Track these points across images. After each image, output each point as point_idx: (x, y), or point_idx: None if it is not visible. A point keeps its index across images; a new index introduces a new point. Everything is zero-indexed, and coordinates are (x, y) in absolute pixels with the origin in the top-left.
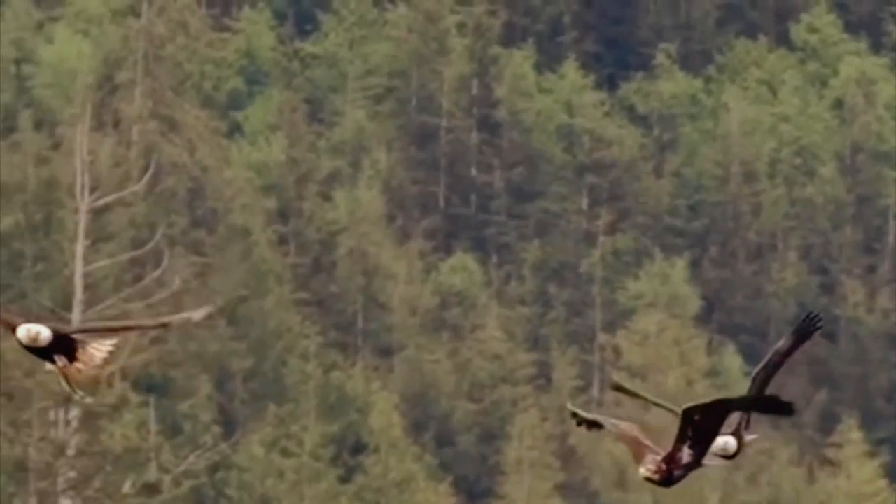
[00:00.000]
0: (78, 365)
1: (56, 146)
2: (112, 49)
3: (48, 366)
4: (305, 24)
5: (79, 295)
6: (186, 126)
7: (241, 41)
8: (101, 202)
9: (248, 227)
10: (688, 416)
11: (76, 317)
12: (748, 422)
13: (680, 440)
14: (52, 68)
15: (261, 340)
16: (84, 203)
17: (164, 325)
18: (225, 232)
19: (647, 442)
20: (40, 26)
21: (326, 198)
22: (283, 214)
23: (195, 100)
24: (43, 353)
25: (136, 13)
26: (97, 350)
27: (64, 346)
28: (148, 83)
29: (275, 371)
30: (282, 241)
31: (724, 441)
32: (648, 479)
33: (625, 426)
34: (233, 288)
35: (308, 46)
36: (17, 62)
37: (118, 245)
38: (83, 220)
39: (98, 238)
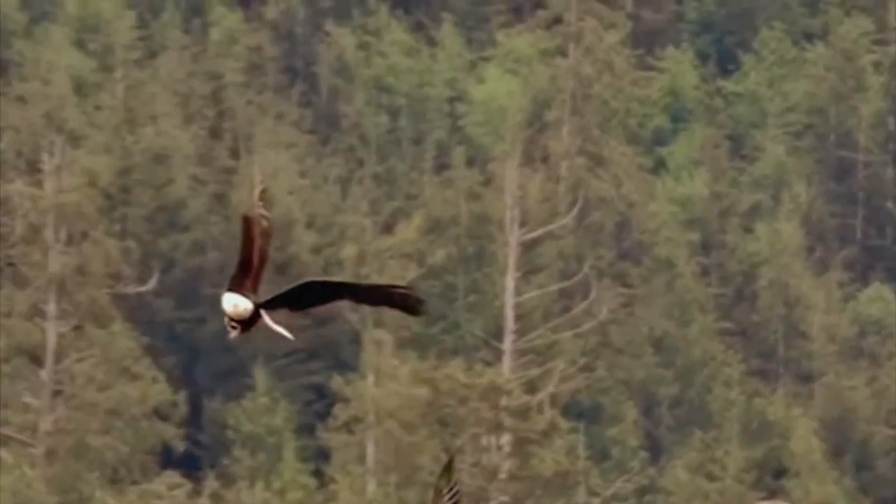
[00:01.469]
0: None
1: (487, 182)
2: (541, 88)
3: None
4: (727, 64)
5: (509, 325)
6: (613, 162)
7: (665, 80)
8: (530, 235)
9: (673, 259)
10: None
11: (507, 346)
12: None
13: None
14: (483, 107)
15: (686, 368)
16: (514, 236)
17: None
18: (650, 264)
19: None
20: (472, 66)
21: (748, 230)
22: (705, 247)
23: (621, 136)
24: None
25: (563, 53)
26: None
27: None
28: (575, 121)
29: (699, 398)
30: (705, 272)
31: None
32: None
33: None
34: (658, 317)
35: (730, 85)
36: (451, 101)
37: (547, 276)
38: (513, 252)
39: (528, 270)
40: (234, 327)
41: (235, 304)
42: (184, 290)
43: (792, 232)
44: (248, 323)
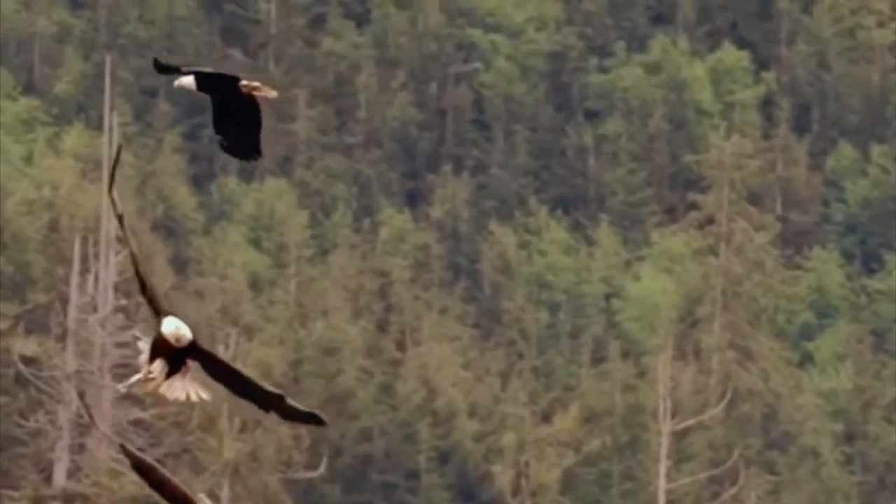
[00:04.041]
0: (163, 383)
1: (641, 374)
2: (693, 286)
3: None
4: (871, 263)
5: None
6: (761, 356)
7: (811, 278)
8: (682, 425)
9: (818, 449)
10: None
11: None
12: None
13: None
14: (638, 303)
15: None
16: (667, 426)
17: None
18: (796, 453)
19: None
20: (628, 265)
21: (890, 421)
22: (849, 437)
23: (769, 332)
24: (167, 352)
25: (714, 253)
26: (186, 390)
27: (180, 359)
28: (726, 317)
29: None
30: (848, 461)
31: None
32: None
33: None
34: None
35: (874, 283)
36: (607, 297)
37: (698, 464)
38: (666, 441)
39: (679, 458)
40: (152, 370)
41: (178, 326)
42: (352, 475)
43: None
44: (174, 363)
